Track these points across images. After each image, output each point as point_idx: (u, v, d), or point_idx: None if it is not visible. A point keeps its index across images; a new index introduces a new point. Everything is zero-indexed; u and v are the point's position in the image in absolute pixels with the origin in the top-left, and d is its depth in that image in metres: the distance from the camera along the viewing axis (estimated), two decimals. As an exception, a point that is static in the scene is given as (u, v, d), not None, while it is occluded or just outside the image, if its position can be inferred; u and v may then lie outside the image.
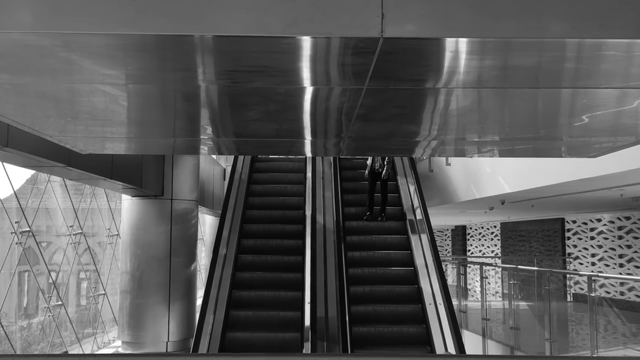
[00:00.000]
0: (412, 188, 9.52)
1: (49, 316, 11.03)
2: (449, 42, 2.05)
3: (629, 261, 14.25)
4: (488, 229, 21.83)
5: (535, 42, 2.05)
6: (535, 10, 1.96)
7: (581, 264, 15.98)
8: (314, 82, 2.56)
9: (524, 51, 2.16)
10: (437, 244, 9.49)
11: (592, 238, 15.63)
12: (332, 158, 10.04)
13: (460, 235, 24.10)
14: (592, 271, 15.21)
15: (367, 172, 9.20)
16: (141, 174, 7.77)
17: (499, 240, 20.99)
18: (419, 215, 8.83)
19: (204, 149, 4.67)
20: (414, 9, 1.95)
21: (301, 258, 8.15)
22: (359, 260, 8.56)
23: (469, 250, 23.45)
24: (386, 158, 9.02)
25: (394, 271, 8.31)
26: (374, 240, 8.90)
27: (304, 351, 6.53)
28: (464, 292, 12.05)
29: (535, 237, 18.33)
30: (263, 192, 10.10)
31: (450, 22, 1.96)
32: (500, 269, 13.50)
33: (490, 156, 4.88)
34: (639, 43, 2.03)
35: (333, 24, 1.94)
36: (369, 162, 9.20)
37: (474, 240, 23.16)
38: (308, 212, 8.79)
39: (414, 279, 8.07)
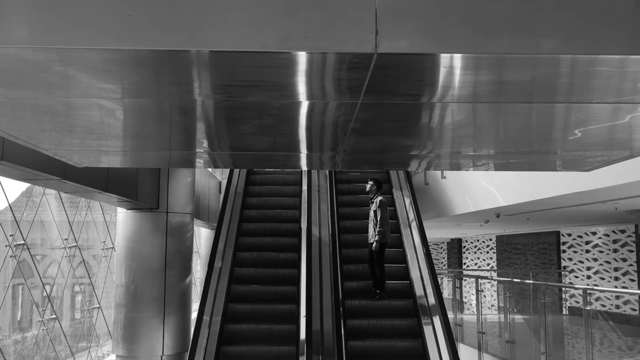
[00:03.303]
0: (407, 201, 9.52)
1: (43, 330, 10.95)
2: (443, 58, 2.06)
3: (624, 274, 14.26)
4: (484, 242, 21.84)
5: (528, 58, 2.06)
6: (529, 27, 1.97)
7: (577, 277, 15.98)
8: (309, 97, 2.57)
9: (517, 67, 2.17)
10: (433, 257, 9.46)
11: (588, 251, 15.64)
12: (327, 171, 10.04)
13: (456, 248, 24.11)
14: (588, 284, 15.22)
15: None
16: (136, 187, 7.75)
17: (494, 253, 21.00)
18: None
19: (199, 162, 4.67)
20: (408, 24, 1.96)
21: (297, 263, 8.14)
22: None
23: (465, 263, 23.44)
24: (377, 227, 7.80)
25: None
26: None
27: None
28: (459, 305, 12.04)
29: (531, 250, 18.34)
30: (259, 205, 10.10)
31: (444, 38, 1.97)
32: (495, 282, 13.51)
33: (486, 170, 4.89)
34: (632, 59, 2.05)
35: (328, 39, 1.95)
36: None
37: (469, 253, 23.16)
38: (304, 225, 8.79)
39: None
